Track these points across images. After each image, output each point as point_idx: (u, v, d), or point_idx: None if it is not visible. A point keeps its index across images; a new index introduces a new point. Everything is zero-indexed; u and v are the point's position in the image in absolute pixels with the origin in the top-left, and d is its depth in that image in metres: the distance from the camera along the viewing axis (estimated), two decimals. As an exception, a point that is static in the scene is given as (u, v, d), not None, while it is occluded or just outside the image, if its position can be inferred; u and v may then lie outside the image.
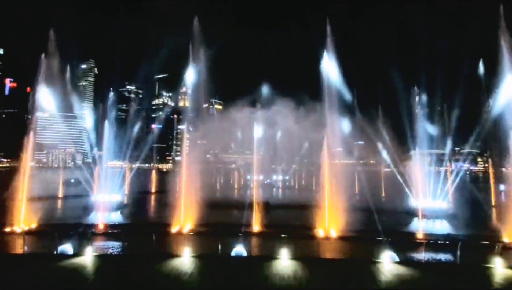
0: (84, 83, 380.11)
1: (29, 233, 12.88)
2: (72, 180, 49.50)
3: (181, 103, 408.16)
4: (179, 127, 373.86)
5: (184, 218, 21.74)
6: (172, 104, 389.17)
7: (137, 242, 11.95)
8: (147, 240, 12.14)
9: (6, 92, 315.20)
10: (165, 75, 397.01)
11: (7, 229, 13.51)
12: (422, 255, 10.78)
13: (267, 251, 11.15)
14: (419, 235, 12.93)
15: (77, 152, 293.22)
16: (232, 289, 8.76)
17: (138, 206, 27.43)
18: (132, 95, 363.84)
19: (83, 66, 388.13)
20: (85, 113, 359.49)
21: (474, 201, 31.02)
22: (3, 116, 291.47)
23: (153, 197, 35.20)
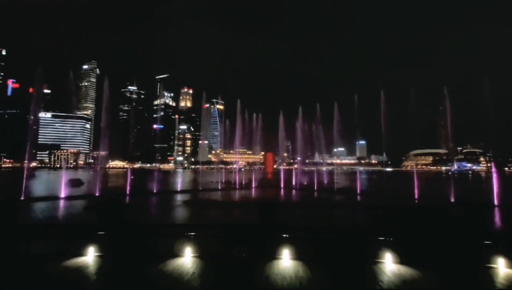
0: (86, 84, 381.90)
1: (31, 233, 12.93)
2: (74, 180, 49.63)
3: (182, 103, 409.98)
4: (181, 127, 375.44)
5: (187, 217, 21.83)
6: (174, 104, 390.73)
7: (139, 242, 11.97)
8: (149, 240, 12.18)
9: (9, 92, 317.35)
10: (166, 75, 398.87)
11: (9, 229, 13.56)
12: (424, 255, 10.75)
13: (268, 251, 11.15)
14: (421, 234, 12.89)
15: (79, 152, 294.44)
16: (233, 288, 8.78)
17: (140, 207, 27.46)
18: (134, 96, 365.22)
19: (85, 66, 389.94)
20: (87, 114, 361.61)
21: (476, 200, 30.92)
22: (6, 116, 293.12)
23: (154, 197, 35.24)
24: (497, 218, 22.65)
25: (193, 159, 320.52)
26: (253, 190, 46.39)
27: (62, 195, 31.21)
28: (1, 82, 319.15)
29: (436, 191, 36.77)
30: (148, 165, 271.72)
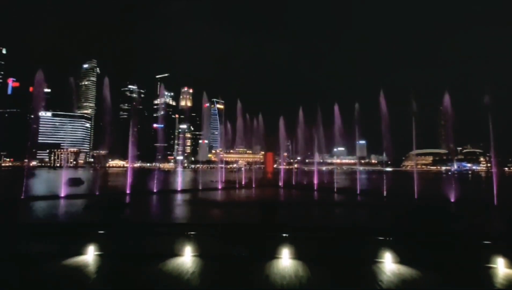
0: (86, 83, 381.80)
1: (31, 232, 12.93)
2: (74, 180, 49.61)
3: (182, 103, 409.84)
4: (181, 126, 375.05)
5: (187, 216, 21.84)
6: (174, 103, 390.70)
7: (139, 241, 11.98)
8: (149, 239, 12.18)
9: (9, 91, 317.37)
10: (166, 74, 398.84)
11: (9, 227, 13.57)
12: (424, 255, 10.75)
13: (268, 250, 11.15)
14: (421, 234, 12.90)
15: (79, 151, 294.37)
16: (233, 287, 8.78)
17: (140, 206, 27.47)
18: (134, 95, 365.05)
19: (85, 65, 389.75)
20: (87, 113, 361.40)
21: (476, 200, 30.91)
22: (6, 115, 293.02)
23: (154, 197, 35.26)
24: (497, 218, 22.65)
25: (193, 159, 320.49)
26: (253, 189, 46.39)
27: (62, 194, 31.22)
28: (1, 81, 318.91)
29: (436, 191, 36.76)
30: (148, 164, 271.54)
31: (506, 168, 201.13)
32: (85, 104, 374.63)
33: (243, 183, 52.17)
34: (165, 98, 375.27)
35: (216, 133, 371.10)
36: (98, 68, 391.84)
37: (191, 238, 11.38)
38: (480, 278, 9.40)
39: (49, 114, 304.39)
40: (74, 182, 46.93)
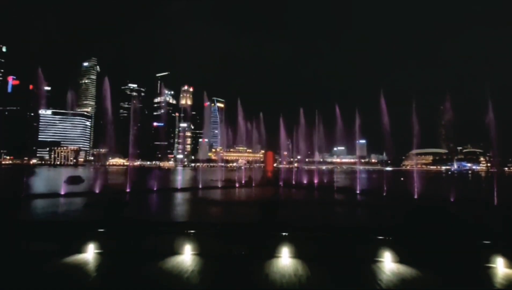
0: (86, 81, 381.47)
1: (31, 230, 12.94)
2: (74, 178, 49.60)
3: (182, 101, 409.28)
4: (181, 125, 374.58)
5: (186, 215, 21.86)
6: (174, 102, 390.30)
7: (139, 239, 11.98)
8: (149, 237, 12.18)
9: (9, 89, 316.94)
10: (166, 73, 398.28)
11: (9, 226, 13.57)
12: (424, 254, 10.75)
13: (268, 249, 11.16)
14: (420, 234, 12.90)
15: (79, 150, 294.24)
16: (232, 286, 8.79)
17: (140, 204, 27.47)
18: (134, 93, 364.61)
19: (85, 64, 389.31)
20: (87, 111, 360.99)
21: (476, 200, 30.91)
22: (6, 113, 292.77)
23: (154, 195, 35.28)
24: (497, 218, 22.65)
25: (193, 157, 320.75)
26: (253, 188, 46.41)
27: (62, 192, 31.25)
28: (1, 79, 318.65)
29: (436, 191, 36.80)
30: (148, 162, 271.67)
31: (506, 168, 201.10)
32: (85, 102, 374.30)
33: (243, 182, 52.14)
34: (165, 96, 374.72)
35: (216, 131, 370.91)
36: (98, 66, 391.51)
37: (191, 237, 11.38)
38: (480, 278, 9.40)
39: (49, 112, 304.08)
40: (74, 180, 46.95)
